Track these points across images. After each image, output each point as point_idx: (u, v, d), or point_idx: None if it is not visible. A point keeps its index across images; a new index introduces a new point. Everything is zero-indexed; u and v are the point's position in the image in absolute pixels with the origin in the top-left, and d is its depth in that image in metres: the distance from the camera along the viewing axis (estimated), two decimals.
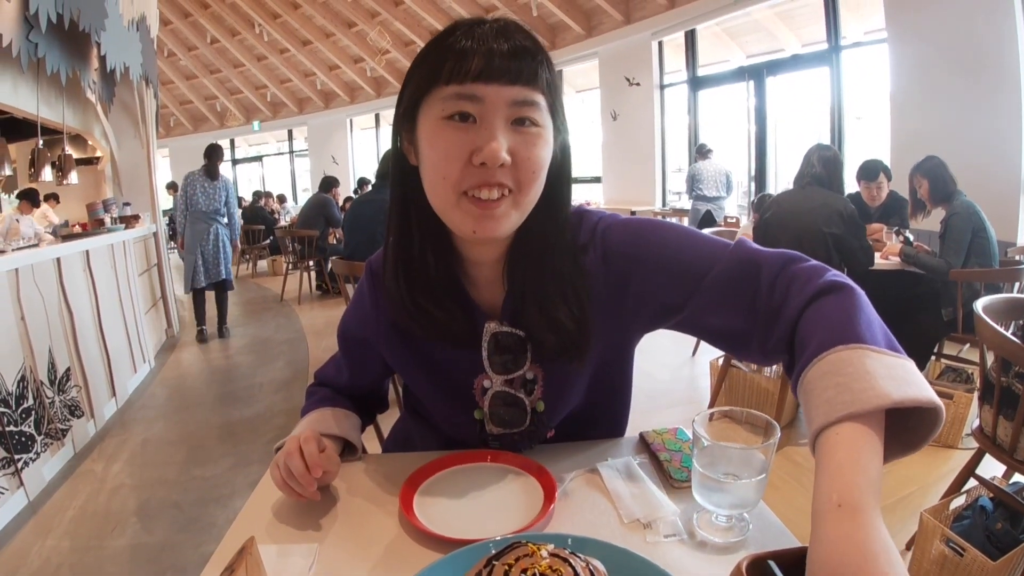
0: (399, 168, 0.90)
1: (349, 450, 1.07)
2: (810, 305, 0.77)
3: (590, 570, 0.55)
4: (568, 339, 0.90)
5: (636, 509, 0.84)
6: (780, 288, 0.81)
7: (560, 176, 0.88)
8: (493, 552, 0.57)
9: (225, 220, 5.83)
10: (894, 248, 3.53)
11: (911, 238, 3.69)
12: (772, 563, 0.66)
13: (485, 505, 0.87)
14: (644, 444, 1.02)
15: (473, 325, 0.94)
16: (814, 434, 0.66)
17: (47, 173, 4.95)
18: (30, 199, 6.65)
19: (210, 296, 6.04)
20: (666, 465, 0.93)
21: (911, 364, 0.68)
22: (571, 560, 0.55)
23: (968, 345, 3.54)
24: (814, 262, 0.84)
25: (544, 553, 0.56)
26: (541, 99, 0.80)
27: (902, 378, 0.65)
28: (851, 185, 4.45)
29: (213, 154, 5.82)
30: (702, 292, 0.86)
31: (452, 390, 0.99)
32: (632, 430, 1.10)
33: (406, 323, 0.93)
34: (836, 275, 0.80)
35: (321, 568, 0.75)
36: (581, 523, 0.82)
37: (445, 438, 1.07)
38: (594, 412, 1.06)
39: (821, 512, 0.60)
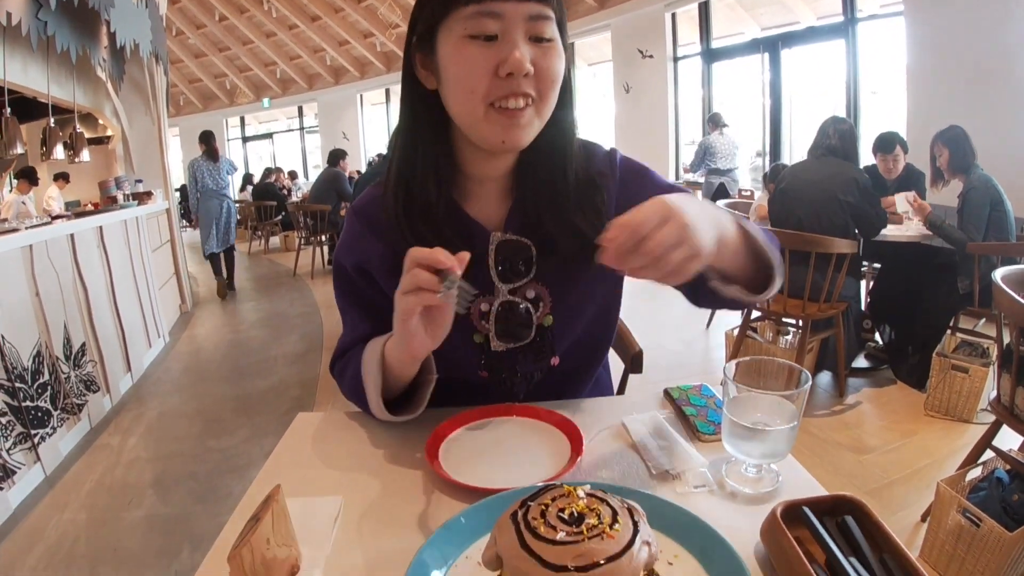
0: (410, 93, 0.94)
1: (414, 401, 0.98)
2: None
3: (628, 509, 0.54)
4: (587, 242, 0.89)
5: (664, 461, 0.83)
6: None
7: (565, 86, 0.92)
8: (528, 495, 0.57)
9: (229, 192, 6.85)
10: (925, 206, 3.46)
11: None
12: (807, 509, 0.65)
13: (511, 457, 0.87)
14: (669, 399, 1.01)
15: (473, 242, 0.95)
16: None
17: (59, 152, 4.97)
18: (28, 178, 6.67)
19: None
20: (692, 419, 0.92)
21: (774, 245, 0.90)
22: (609, 499, 0.55)
23: (984, 320, 3.51)
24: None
25: (581, 493, 0.55)
26: (552, 14, 0.85)
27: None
28: (866, 158, 4.40)
29: (209, 139, 6.74)
30: None
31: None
32: (650, 400, 1.08)
33: (406, 248, 0.89)
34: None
35: (347, 519, 0.75)
36: (609, 475, 0.82)
37: (443, 375, 1.02)
38: (591, 333, 1.09)
39: None
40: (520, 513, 0.54)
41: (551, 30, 0.85)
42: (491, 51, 0.82)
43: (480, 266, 0.97)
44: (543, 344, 1.03)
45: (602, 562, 0.48)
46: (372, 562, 0.67)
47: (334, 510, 0.76)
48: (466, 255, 0.78)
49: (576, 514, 0.52)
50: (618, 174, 1.04)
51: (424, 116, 0.93)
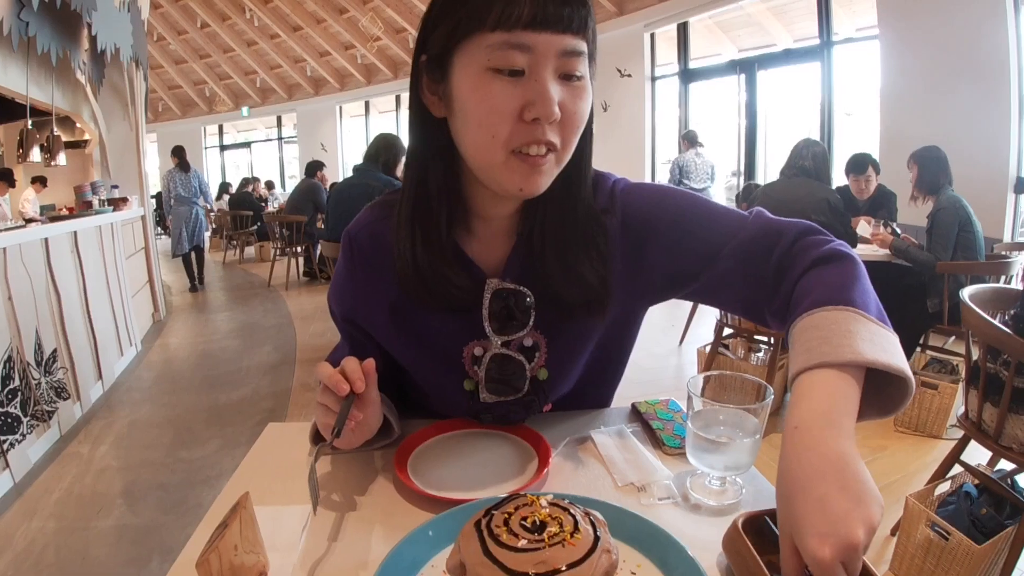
0: (419, 119, 0.84)
1: (383, 433, 0.93)
2: (812, 269, 0.80)
3: (591, 519, 0.55)
4: (591, 293, 0.88)
5: (630, 473, 0.84)
6: (792, 254, 0.84)
7: (588, 123, 0.83)
8: (492, 504, 0.58)
9: (200, 201, 7.80)
10: (886, 238, 3.56)
11: (899, 231, 3.71)
12: (768, 519, 0.67)
13: (479, 468, 0.87)
14: (636, 413, 1.03)
15: (471, 285, 0.89)
16: (792, 378, 0.70)
17: (35, 154, 4.91)
18: (6, 180, 6.59)
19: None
20: (659, 433, 0.94)
21: (894, 337, 0.71)
22: (571, 509, 0.56)
23: (953, 338, 3.58)
24: (828, 235, 0.87)
25: (543, 503, 0.56)
26: (585, 47, 0.75)
27: (881, 345, 0.69)
28: (838, 179, 4.49)
29: (180, 153, 7.87)
30: (721, 260, 0.87)
31: (441, 358, 0.93)
32: (618, 414, 1.08)
33: (407, 287, 0.88)
34: (842, 245, 0.83)
35: (315, 528, 0.75)
36: (575, 487, 0.82)
37: (433, 416, 1.02)
38: (588, 386, 1.03)
39: (784, 435, 0.66)
40: (484, 521, 0.55)
41: (583, 67, 0.76)
42: (516, 89, 0.73)
43: (474, 311, 0.91)
44: (535, 398, 0.96)
45: (563, 568, 0.50)
46: (340, 570, 0.68)
47: (302, 519, 0.76)
48: (371, 364, 0.79)
49: (538, 522, 0.54)
50: (619, 210, 0.93)
51: (434, 146, 0.83)
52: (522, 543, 0.51)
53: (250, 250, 10.89)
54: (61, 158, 5.15)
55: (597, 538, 0.53)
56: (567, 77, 0.75)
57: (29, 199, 6.97)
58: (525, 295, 0.90)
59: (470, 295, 0.89)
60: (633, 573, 0.63)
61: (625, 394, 1.11)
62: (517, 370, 0.93)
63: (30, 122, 4.74)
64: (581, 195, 0.88)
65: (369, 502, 0.81)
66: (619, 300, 0.92)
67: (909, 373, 0.68)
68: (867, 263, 2.88)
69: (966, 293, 2.04)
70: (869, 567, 0.61)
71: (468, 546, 0.53)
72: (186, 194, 7.62)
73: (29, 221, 4.41)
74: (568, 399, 1.03)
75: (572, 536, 0.52)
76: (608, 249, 0.90)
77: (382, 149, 3.93)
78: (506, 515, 0.55)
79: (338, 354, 1.00)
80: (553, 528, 0.53)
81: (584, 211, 0.88)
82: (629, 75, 9.03)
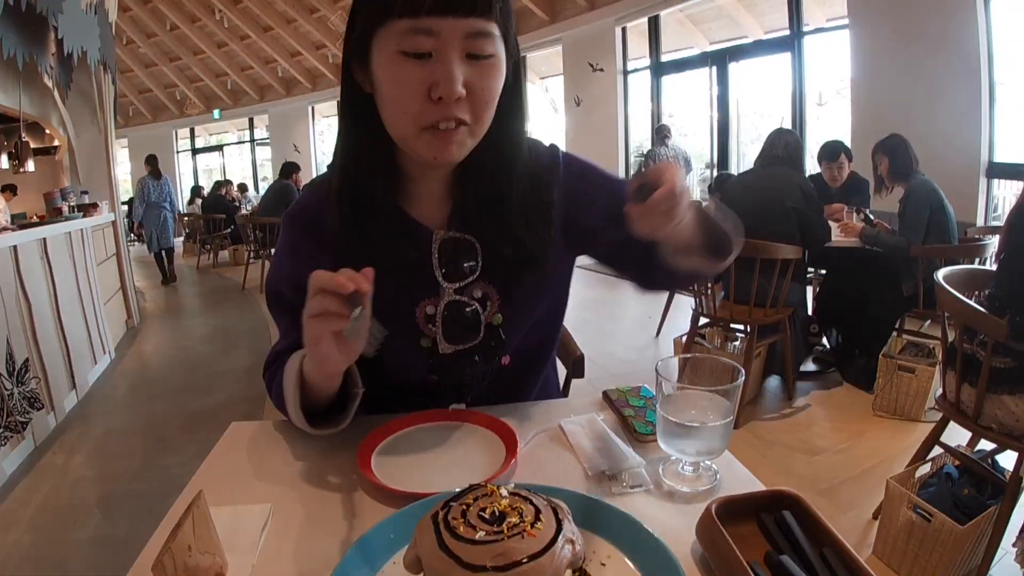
0: (349, 95, 0.90)
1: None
2: None
3: (552, 507, 0.53)
4: (525, 252, 0.94)
5: (601, 462, 0.82)
6: None
7: (513, 96, 0.90)
8: (451, 496, 0.55)
9: (168, 206, 8.59)
10: (855, 227, 3.58)
11: (872, 217, 3.74)
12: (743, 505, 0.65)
13: (445, 461, 0.85)
14: (608, 401, 1.01)
15: (418, 244, 0.94)
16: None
17: (3, 161, 4.81)
18: None
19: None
20: (630, 420, 0.92)
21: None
22: (532, 498, 0.54)
23: (929, 321, 3.61)
24: None
25: (503, 492, 0.54)
26: (495, 28, 0.80)
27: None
28: (811, 168, 4.51)
29: (153, 161, 8.72)
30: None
31: (395, 321, 0.93)
32: (589, 403, 1.07)
33: (350, 254, 0.88)
34: None
35: (276, 527, 0.73)
36: (545, 477, 0.80)
37: (391, 380, 1.03)
38: (539, 325, 1.08)
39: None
40: (441, 514, 0.52)
41: (492, 46, 0.80)
42: (423, 71, 0.78)
43: (424, 266, 0.95)
44: (493, 343, 1.01)
45: (524, 560, 0.47)
46: (300, 569, 0.66)
47: (263, 518, 0.74)
48: (370, 271, 0.75)
49: (498, 513, 0.51)
50: (561, 173, 1.02)
51: (363, 119, 0.89)
52: (480, 535, 0.49)
53: (224, 254, 10.73)
54: (30, 165, 5.08)
55: (560, 528, 0.51)
56: (475, 57, 0.80)
57: (1, 208, 6.84)
58: (472, 242, 0.95)
59: (418, 250, 0.94)
60: (603, 564, 0.61)
61: (601, 385, 1.09)
62: (472, 316, 0.98)
63: None
64: (515, 164, 0.94)
65: (332, 499, 0.78)
66: (559, 256, 1.01)
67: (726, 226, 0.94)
68: (842, 248, 2.89)
69: (940, 275, 2.05)
70: (852, 553, 0.59)
71: (424, 540, 0.51)
72: (157, 199, 8.45)
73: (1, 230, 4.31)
74: (523, 351, 1.07)
75: (533, 526, 0.50)
76: (547, 204, 0.98)
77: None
78: (464, 507, 0.52)
79: (280, 344, 1.00)
80: (513, 519, 0.50)
81: (520, 179, 0.95)
82: (601, 69, 9.05)
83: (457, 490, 0.57)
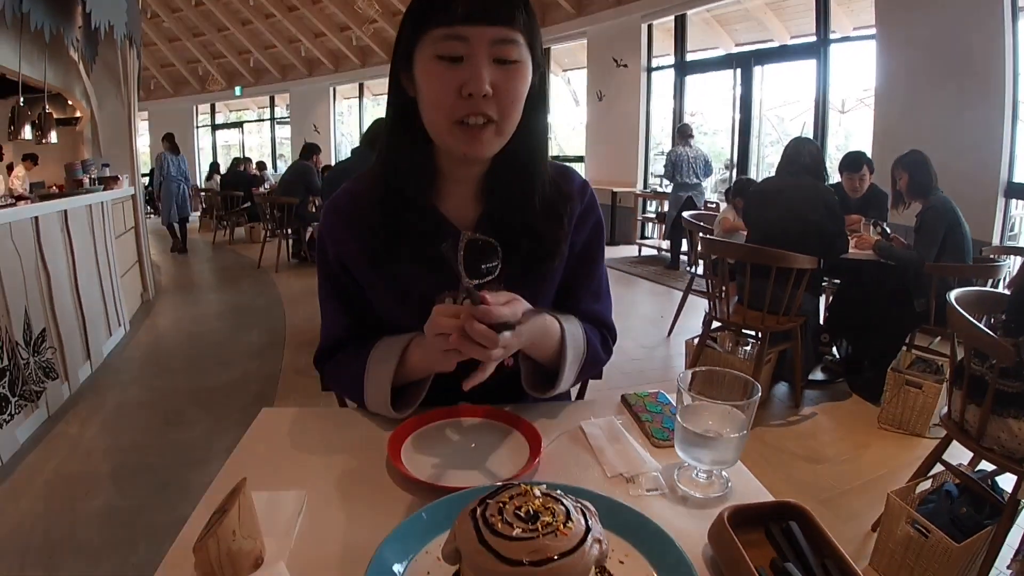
0: (396, 100, 1.00)
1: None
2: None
3: (582, 509, 0.57)
4: (541, 247, 1.05)
5: (619, 464, 0.86)
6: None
7: (537, 104, 1.00)
8: (486, 494, 0.59)
9: (185, 180, 9.24)
10: (869, 240, 3.59)
11: (888, 231, 3.74)
12: (753, 514, 0.69)
13: (472, 457, 0.89)
14: (626, 405, 1.05)
15: (445, 238, 0.98)
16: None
17: (27, 132, 4.86)
18: None
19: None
20: (647, 425, 0.96)
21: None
22: (563, 499, 0.57)
23: (939, 338, 3.61)
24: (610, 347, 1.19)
25: (537, 492, 0.58)
26: (519, 37, 0.91)
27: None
28: (831, 176, 4.51)
29: (171, 138, 9.43)
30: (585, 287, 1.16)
31: (417, 308, 1.00)
32: (608, 406, 1.12)
33: (383, 244, 1.02)
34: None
35: (310, 513, 0.77)
36: (566, 477, 0.84)
37: None
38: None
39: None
40: (479, 510, 0.56)
41: (517, 52, 0.91)
42: (456, 72, 0.89)
43: (449, 266, 1.00)
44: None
45: (556, 557, 0.51)
46: (335, 555, 0.69)
47: (298, 504, 0.77)
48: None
49: (532, 512, 0.55)
50: (584, 203, 1.13)
51: (406, 121, 0.99)
52: (516, 532, 0.53)
53: (240, 231, 10.81)
54: (52, 136, 5.11)
55: (588, 528, 0.55)
56: (502, 61, 0.90)
57: (20, 176, 6.92)
58: (495, 246, 0.99)
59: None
60: (621, 562, 0.66)
61: (614, 384, 1.14)
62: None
63: (22, 99, 4.70)
64: (538, 166, 1.04)
65: (364, 489, 0.82)
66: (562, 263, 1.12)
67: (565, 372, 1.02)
68: (856, 262, 2.89)
69: (952, 295, 2.06)
70: (852, 566, 0.63)
71: (464, 534, 0.55)
72: (176, 174, 9.05)
73: (19, 199, 4.37)
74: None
75: (564, 526, 0.54)
76: (566, 210, 1.08)
77: (380, 133, 3.93)
78: (500, 504, 0.56)
79: (330, 331, 1.13)
80: (546, 518, 0.54)
81: (542, 181, 1.05)
82: (625, 65, 9.04)
83: (495, 485, 0.61)
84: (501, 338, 0.83)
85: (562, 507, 0.56)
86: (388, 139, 1.04)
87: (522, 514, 0.55)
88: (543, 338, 0.99)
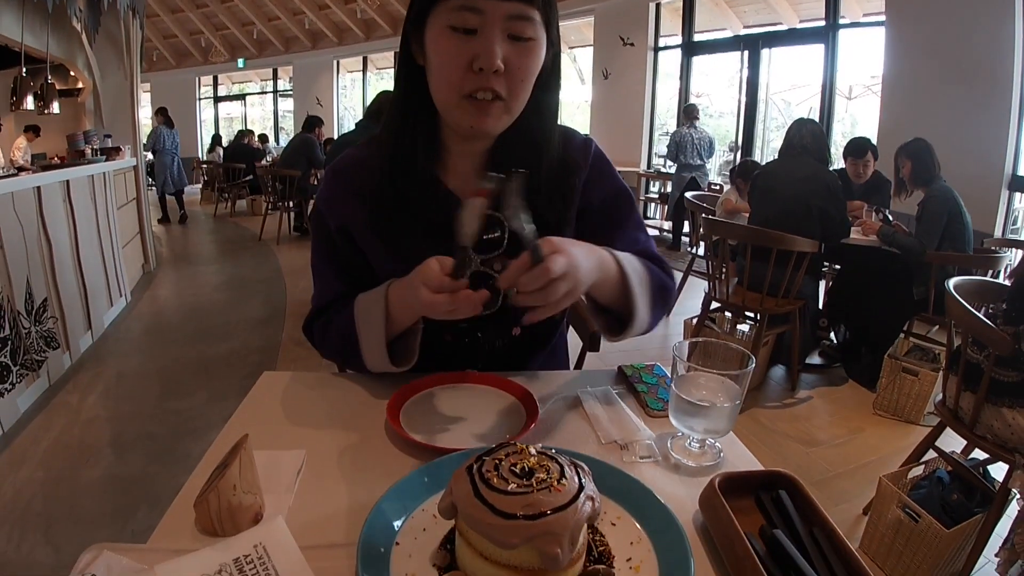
0: (406, 68, 0.99)
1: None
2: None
3: (576, 467, 0.58)
4: (549, 229, 0.97)
5: (614, 432, 0.88)
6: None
7: (549, 83, 0.99)
8: (483, 452, 0.61)
9: (178, 153, 9.46)
10: (873, 226, 3.60)
11: (890, 218, 3.74)
12: (743, 481, 0.70)
13: (469, 420, 0.90)
14: (622, 376, 1.06)
15: (448, 211, 0.96)
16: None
17: (29, 102, 4.84)
18: None
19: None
20: (643, 395, 0.97)
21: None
22: (558, 457, 0.59)
23: (937, 327, 3.63)
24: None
25: (532, 451, 0.59)
26: (536, 14, 0.89)
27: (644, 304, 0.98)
28: (834, 161, 4.50)
29: (165, 112, 9.60)
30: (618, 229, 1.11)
31: None
32: (605, 376, 1.12)
33: (386, 213, 1.01)
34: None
35: (309, 472, 0.78)
36: (561, 442, 0.86)
37: None
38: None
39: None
40: (475, 466, 0.58)
41: (532, 30, 0.89)
42: (468, 45, 0.87)
43: (452, 234, 0.99)
44: (508, 315, 1.05)
45: (549, 512, 0.53)
46: (333, 512, 0.71)
47: (297, 462, 0.79)
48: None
49: (527, 469, 0.56)
50: (590, 160, 1.11)
51: (415, 91, 0.98)
52: (511, 487, 0.54)
53: (241, 203, 10.80)
54: (55, 106, 5.10)
55: (582, 485, 0.56)
56: (516, 38, 0.89)
57: (20, 147, 6.89)
58: (498, 218, 1.00)
59: (447, 218, 0.96)
60: (613, 524, 0.67)
61: (611, 360, 1.14)
62: (493, 285, 1.00)
63: (24, 69, 4.68)
64: (546, 147, 1.02)
65: (363, 449, 0.84)
66: (571, 236, 1.06)
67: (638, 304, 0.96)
68: (857, 247, 2.90)
69: (951, 283, 2.07)
70: (839, 534, 0.64)
71: (460, 489, 0.56)
72: (170, 147, 9.26)
73: (20, 170, 4.36)
74: (534, 324, 1.09)
75: (558, 482, 0.55)
76: (572, 187, 1.07)
77: (384, 106, 3.91)
78: (496, 461, 0.58)
79: (323, 297, 1.11)
80: (541, 474, 0.56)
81: (550, 159, 1.04)
82: (632, 44, 8.98)
83: (488, 446, 0.63)
84: (563, 283, 0.79)
85: (556, 465, 0.57)
86: (395, 108, 1.02)
87: (517, 470, 0.56)
88: (601, 272, 0.92)
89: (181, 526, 0.67)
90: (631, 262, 0.98)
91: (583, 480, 0.57)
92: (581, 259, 0.83)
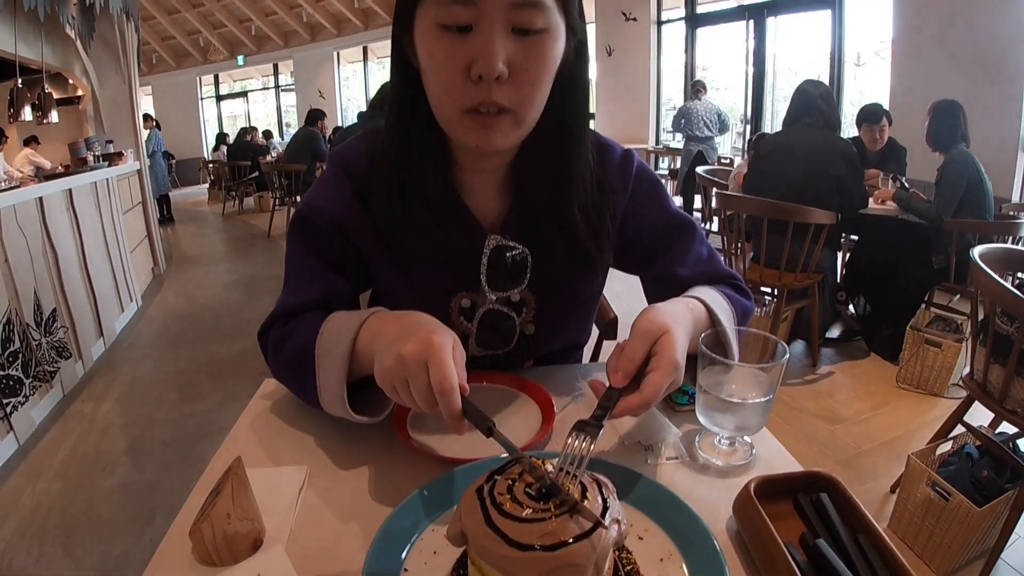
0: (401, 71, 0.83)
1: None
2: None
3: (598, 484, 0.53)
4: (582, 255, 0.90)
5: (636, 431, 0.82)
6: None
7: (574, 81, 0.82)
8: (495, 468, 0.55)
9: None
10: (888, 193, 3.51)
11: (907, 185, 3.66)
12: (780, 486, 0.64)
13: None
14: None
15: (470, 240, 0.89)
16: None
17: (27, 113, 4.82)
18: None
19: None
20: None
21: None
22: (578, 474, 0.53)
23: (958, 296, 3.54)
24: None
25: (548, 468, 0.53)
26: None
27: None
28: (846, 129, 4.40)
29: (152, 117, 9.93)
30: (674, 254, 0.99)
31: (428, 305, 0.85)
32: None
33: (397, 236, 0.86)
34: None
35: (312, 489, 0.73)
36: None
37: None
38: (569, 337, 1.07)
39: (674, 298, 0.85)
40: (486, 488, 0.52)
41: (543, 18, 0.71)
42: (463, 46, 0.71)
43: (470, 262, 0.90)
44: (521, 352, 0.99)
45: (570, 541, 0.47)
46: (337, 533, 0.66)
47: (299, 480, 0.74)
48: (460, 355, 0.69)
49: (544, 490, 0.51)
50: (631, 185, 0.97)
51: (413, 98, 0.81)
52: (527, 512, 0.48)
53: (249, 201, 10.79)
54: (53, 115, 5.08)
55: (606, 507, 0.50)
56: (523, 31, 0.71)
57: (24, 157, 6.83)
58: (524, 254, 0.89)
59: (467, 245, 0.89)
60: (640, 538, 0.61)
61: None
62: (508, 325, 0.94)
63: (20, 81, 4.64)
64: (575, 161, 0.86)
65: (368, 461, 0.78)
66: (607, 262, 0.97)
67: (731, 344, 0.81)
68: (874, 217, 2.83)
69: (976, 252, 1.99)
70: (887, 541, 0.59)
71: (470, 515, 0.50)
72: (159, 150, 9.68)
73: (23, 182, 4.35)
74: (548, 356, 1.05)
75: (580, 505, 0.49)
76: (608, 205, 0.92)
77: (388, 97, 3.85)
78: (510, 481, 0.52)
79: (293, 298, 0.92)
80: (560, 496, 0.50)
81: (582, 177, 0.88)
82: (635, 19, 8.87)
83: (501, 457, 0.57)
84: (666, 385, 0.68)
85: (577, 484, 0.52)
86: (393, 119, 0.85)
87: (533, 492, 0.50)
88: (696, 332, 0.79)
89: (178, 556, 0.62)
90: (718, 304, 0.85)
91: (607, 499, 0.51)
92: (680, 346, 0.71)
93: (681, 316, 0.77)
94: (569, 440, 0.58)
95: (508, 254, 0.89)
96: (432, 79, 0.76)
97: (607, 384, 0.71)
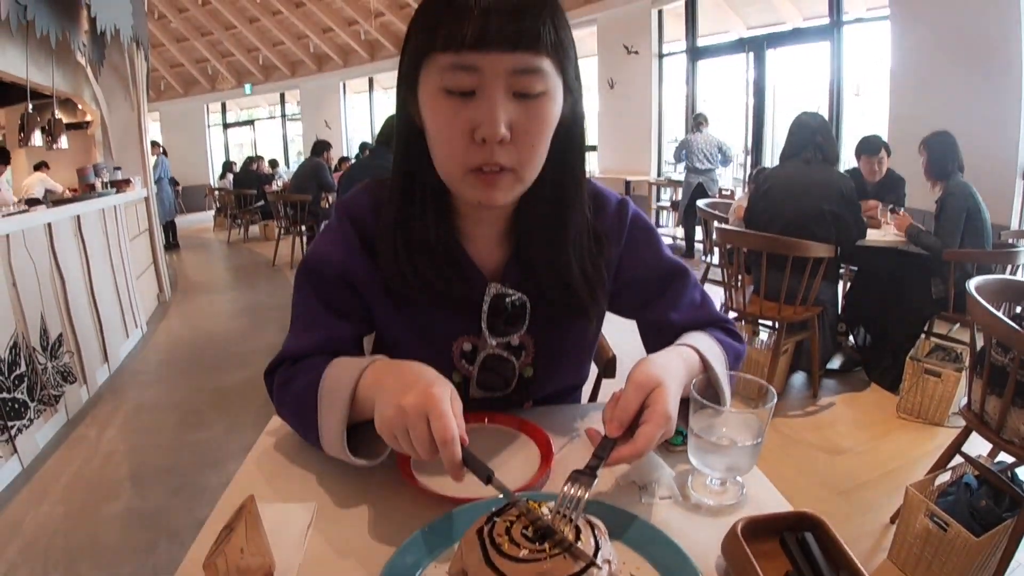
0: (405, 130, 0.87)
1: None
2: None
3: (591, 526, 0.56)
4: (577, 303, 0.94)
5: (632, 471, 0.85)
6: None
7: (569, 140, 0.86)
8: (494, 510, 0.58)
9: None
10: (904, 222, 3.51)
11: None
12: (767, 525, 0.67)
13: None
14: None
15: (471, 287, 0.93)
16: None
17: (37, 138, 4.89)
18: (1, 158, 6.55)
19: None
20: None
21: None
22: (572, 516, 0.56)
23: (958, 325, 3.57)
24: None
25: (545, 510, 0.56)
26: (545, 63, 0.75)
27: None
28: (846, 161, 4.45)
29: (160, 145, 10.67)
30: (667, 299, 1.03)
31: (430, 348, 0.95)
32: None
33: (401, 286, 0.91)
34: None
35: (319, 526, 0.76)
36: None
37: None
38: (566, 379, 1.10)
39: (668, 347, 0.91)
40: (486, 529, 0.55)
41: (542, 83, 0.75)
42: (467, 110, 0.75)
43: (473, 309, 0.94)
44: (521, 394, 1.03)
45: None
46: (344, 570, 0.68)
47: (307, 517, 0.77)
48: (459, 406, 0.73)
49: (540, 531, 0.54)
50: (626, 233, 1.01)
51: (417, 155, 0.85)
52: (523, 553, 0.52)
53: (254, 228, 10.88)
54: (63, 141, 5.15)
55: (598, 548, 0.54)
56: (523, 95, 0.75)
57: (32, 182, 6.90)
58: (524, 303, 0.94)
59: (468, 291, 0.93)
60: (632, 575, 0.64)
61: (620, 384, 1.11)
62: (508, 369, 0.98)
63: (31, 105, 4.73)
64: (572, 210, 0.91)
65: (374, 499, 0.81)
66: (601, 309, 1.04)
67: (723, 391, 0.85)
68: (873, 249, 2.86)
69: (972, 285, 2.02)
70: (853, 560, 0.61)
71: (470, 554, 0.54)
72: (165, 177, 9.92)
73: (31, 203, 4.41)
74: (548, 398, 1.08)
75: (573, 546, 0.53)
76: (603, 256, 0.96)
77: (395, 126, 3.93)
78: (508, 523, 0.55)
79: (301, 341, 0.95)
80: (554, 538, 0.53)
81: (578, 227, 0.92)
82: (636, 52, 8.98)
83: (500, 499, 0.60)
84: (658, 436, 0.74)
85: (572, 526, 0.55)
86: (401, 170, 0.89)
87: (530, 534, 0.54)
88: (688, 380, 0.83)
89: None
90: (712, 352, 0.90)
91: (599, 540, 0.54)
92: (672, 398, 0.75)
93: (674, 369, 0.81)
94: (565, 488, 0.63)
95: (507, 299, 0.94)
96: (436, 140, 0.80)
97: (602, 433, 0.76)
